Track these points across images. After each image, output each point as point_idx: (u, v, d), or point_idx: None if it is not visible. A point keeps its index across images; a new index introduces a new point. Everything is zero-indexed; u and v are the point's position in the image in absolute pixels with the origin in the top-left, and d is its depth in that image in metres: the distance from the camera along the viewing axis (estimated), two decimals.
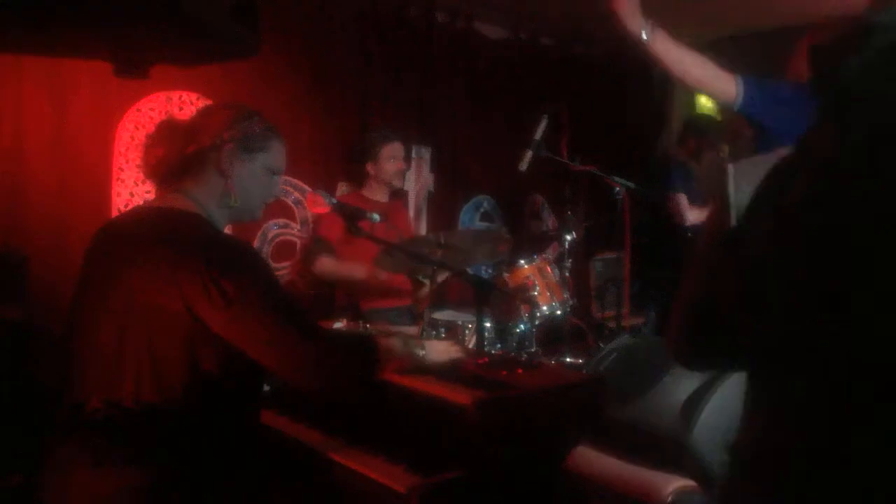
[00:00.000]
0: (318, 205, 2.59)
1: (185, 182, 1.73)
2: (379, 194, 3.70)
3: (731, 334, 1.12)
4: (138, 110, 3.53)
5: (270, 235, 4.04)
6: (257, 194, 1.82)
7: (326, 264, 3.44)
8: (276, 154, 1.85)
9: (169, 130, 1.75)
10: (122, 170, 3.50)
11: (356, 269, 3.38)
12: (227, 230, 1.83)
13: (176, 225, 1.66)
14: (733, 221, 1.12)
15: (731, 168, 1.15)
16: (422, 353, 1.92)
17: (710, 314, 1.15)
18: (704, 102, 5.40)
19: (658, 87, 5.63)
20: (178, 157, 1.72)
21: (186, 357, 1.57)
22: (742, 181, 1.13)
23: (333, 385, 1.69)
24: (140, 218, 1.74)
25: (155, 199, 1.77)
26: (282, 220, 4.08)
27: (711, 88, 2.45)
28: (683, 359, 1.29)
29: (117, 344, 1.58)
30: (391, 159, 3.67)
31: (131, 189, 3.51)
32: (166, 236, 1.63)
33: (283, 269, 4.09)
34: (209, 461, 1.62)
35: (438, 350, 1.99)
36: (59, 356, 1.68)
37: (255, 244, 3.96)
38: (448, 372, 1.95)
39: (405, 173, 3.82)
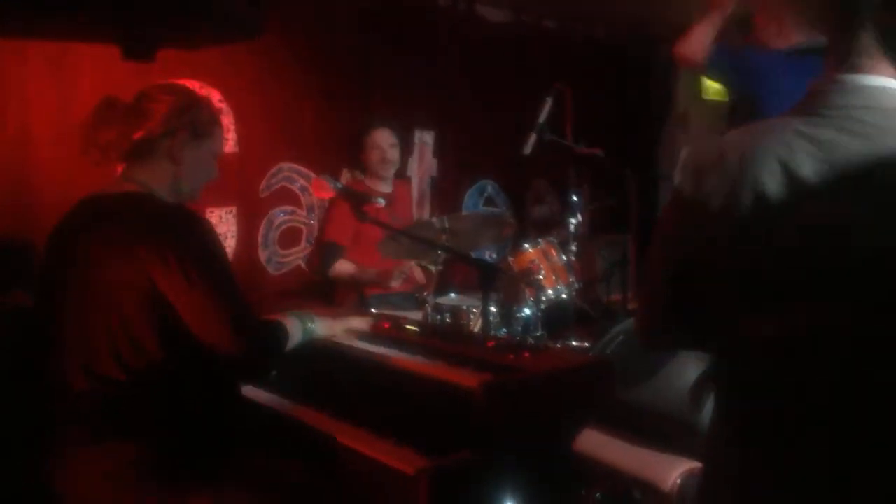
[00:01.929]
0: (323, 189, 2.59)
1: (132, 167, 1.77)
2: (380, 184, 3.67)
3: (696, 314, 1.11)
4: None
5: (277, 222, 4.05)
6: (203, 178, 1.88)
7: (343, 268, 3.49)
8: (219, 138, 1.90)
9: (114, 112, 1.76)
10: None
11: (367, 272, 3.48)
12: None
13: (127, 203, 1.70)
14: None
15: (684, 150, 1.16)
16: (311, 325, 1.94)
17: (674, 291, 1.14)
18: (710, 85, 5.37)
19: (663, 68, 5.60)
20: (125, 141, 1.74)
21: (158, 325, 1.61)
22: (691, 161, 1.13)
23: (249, 361, 1.72)
24: (89, 206, 1.76)
25: (103, 188, 1.79)
26: (288, 207, 4.08)
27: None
28: (647, 336, 1.26)
29: (90, 324, 1.62)
30: (374, 148, 3.63)
31: None
32: (119, 213, 1.68)
33: (289, 256, 4.10)
34: (203, 430, 1.67)
35: (327, 325, 2.02)
36: (38, 347, 1.73)
37: (262, 231, 3.98)
38: (455, 355, 1.96)
39: (393, 162, 3.68)
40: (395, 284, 3.38)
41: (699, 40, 2.75)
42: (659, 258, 1.17)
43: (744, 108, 2.72)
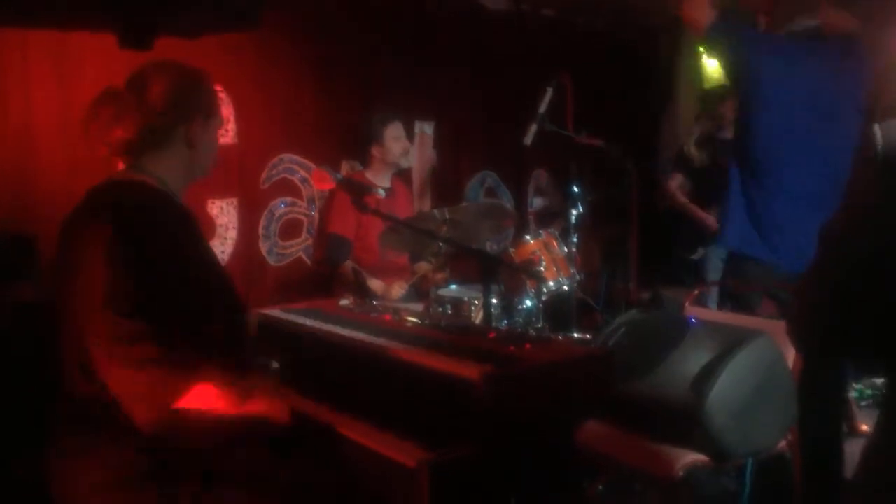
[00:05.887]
0: (323, 181, 2.59)
1: (142, 156, 1.73)
2: (381, 177, 3.68)
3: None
4: None
5: (277, 214, 4.04)
6: (213, 154, 1.87)
7: (348, 275, 3.50)
8: (220, 110, 1.89)
9: (118, 102, 1.69)
10: None
11: (375, 285, 3.48)
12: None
13: (115, 198, 1.66)
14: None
15: (876, 127, 1.11)
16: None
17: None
18: (711, 73, 5.35)
19: (663, 58, 5.57)
20: (132, 131, 1.68)
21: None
22: (890, 138, 1.08)
23: None
24: (90, 197, 1.70)
25: (110, 176, 1.75)
26: (289, 199, 4.08)
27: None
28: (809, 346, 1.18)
29: (81, 322, 1.56)
30: (395, 139, 3.66)
31: None
32: (101, 212, 1.62)
33: (290, 248, 4.10)
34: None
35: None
36: (54, 347, 1.70)
37: (262, 222, 3.97)
38: (456, 347, 1.96)
39: (409, 151, 3.80)
40: (397, 297, 3.39)
41: (702, 4, 2.76)
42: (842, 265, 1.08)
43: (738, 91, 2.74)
